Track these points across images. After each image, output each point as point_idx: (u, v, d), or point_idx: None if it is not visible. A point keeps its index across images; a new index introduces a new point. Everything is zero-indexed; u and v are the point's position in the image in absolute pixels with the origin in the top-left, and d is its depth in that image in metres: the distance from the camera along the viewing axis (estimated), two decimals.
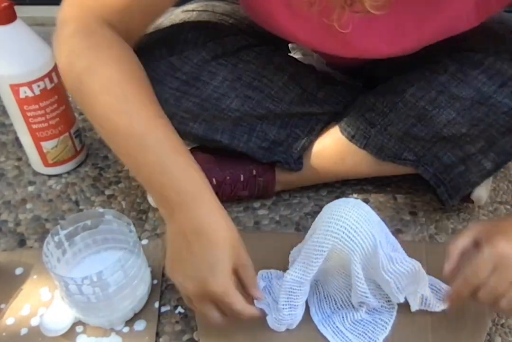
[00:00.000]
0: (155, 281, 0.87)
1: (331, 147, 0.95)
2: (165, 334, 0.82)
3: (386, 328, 0.78)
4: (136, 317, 0.82)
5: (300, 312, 0.78)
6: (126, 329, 0.81)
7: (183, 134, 0.92)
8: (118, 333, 0.81)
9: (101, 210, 0.83)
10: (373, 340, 0.77)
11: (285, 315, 0.76)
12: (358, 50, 0.82)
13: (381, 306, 0.79)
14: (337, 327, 0.79)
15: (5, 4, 0.91)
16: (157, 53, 0.85)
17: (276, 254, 0.82)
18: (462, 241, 0.71)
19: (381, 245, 0.73)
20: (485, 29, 0.81)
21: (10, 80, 0.95)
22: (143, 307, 0.83)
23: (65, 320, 0.80)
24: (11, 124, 1.07)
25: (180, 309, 0.85)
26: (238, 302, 0.70)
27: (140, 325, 0.82)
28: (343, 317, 0.79)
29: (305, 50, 1.06)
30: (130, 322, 0.82)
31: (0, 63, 0.95)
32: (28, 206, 1.03)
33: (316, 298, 0.82)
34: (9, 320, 0.83)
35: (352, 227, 0.71)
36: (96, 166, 1.10)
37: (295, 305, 0.76)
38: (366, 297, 0.76)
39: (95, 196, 1.04)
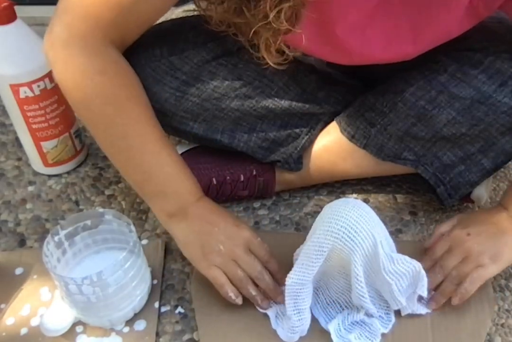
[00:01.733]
0: (155, 281, 0.87)
1: (331, 147, 0.95)
2: (165, 334, 0.82)
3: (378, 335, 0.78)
4: (136, 317, 0.82)
5: (308, 316, 0.77)
6: (126, 329, 0.81)
7: (183, 134, 0.93)
8: (118, 333, 0.81)
9: (101, 210, 0.83)
10: (370, 340, 0.77)
11: (295, 321, 0.75)
12: (354, 57, 0.82)
13: (379, 316, 0.79)
14: (339, 326, 0.78)
15: (5, 4, 0.91)
16: (158, 53, 0.85)
17: (276, 254, 0.82)
18: (444, 226, 0.86)
19: (381, 245, 0.73)
20: (484, 28, 0.81)
21: (10, 80, 0.95)
22: (143, 307, 0.83)
23: (65, 320, 0.80)
24: (11, 124, 1.07)
25: (180, 309, 0.85)
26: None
27: (140, 325, 0.82)
28: (344, 317, 0.79)
29: None
30: (130, 322, 0.82)
31: (0, 63, 0.95)
32: (28, 206, 1.03)
33: (320, 307, 0.81)
34: (9, 320, 0.83)
35: (352, 227, 0.71)
36: (96, 166, 1.10)
37: (302, 309, 0.76)
38: (365, 302, 0.76)
39: (95, 196, 1.04)
